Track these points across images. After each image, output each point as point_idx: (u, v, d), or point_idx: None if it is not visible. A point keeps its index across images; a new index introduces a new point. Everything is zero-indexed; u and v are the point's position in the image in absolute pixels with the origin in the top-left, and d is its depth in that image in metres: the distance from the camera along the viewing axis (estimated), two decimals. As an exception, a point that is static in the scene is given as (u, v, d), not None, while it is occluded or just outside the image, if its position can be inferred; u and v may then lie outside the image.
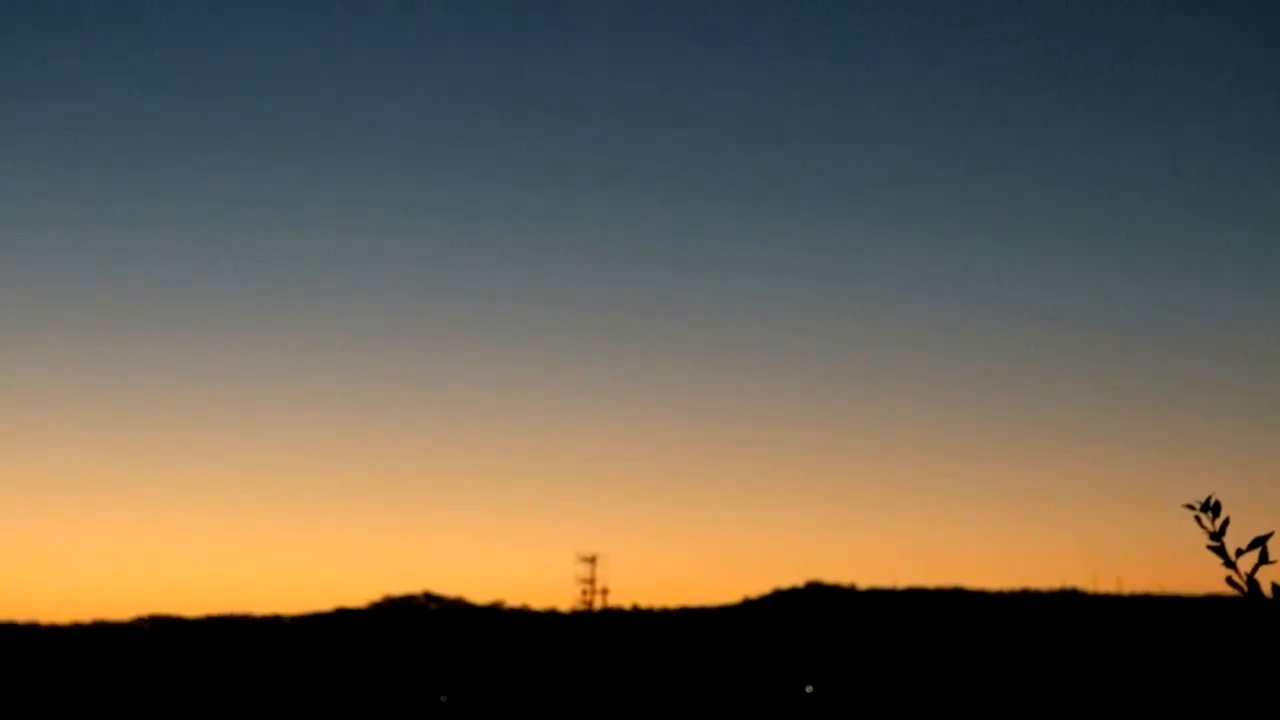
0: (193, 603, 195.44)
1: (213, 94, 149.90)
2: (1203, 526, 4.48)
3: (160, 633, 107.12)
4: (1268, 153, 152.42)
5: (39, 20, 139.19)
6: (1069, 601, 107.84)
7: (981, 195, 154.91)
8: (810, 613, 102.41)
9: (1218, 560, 4.49)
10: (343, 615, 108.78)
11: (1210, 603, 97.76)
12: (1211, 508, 4.48)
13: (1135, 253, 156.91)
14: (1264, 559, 4.45)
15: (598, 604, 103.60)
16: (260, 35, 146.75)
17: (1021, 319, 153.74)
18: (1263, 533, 4.50)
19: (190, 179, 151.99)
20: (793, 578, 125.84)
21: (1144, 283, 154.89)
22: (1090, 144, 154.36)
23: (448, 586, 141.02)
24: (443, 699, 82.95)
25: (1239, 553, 4.45)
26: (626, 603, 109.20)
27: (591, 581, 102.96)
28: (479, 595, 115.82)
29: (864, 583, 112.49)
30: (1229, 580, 4.47)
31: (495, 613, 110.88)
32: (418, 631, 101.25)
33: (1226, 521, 4.48)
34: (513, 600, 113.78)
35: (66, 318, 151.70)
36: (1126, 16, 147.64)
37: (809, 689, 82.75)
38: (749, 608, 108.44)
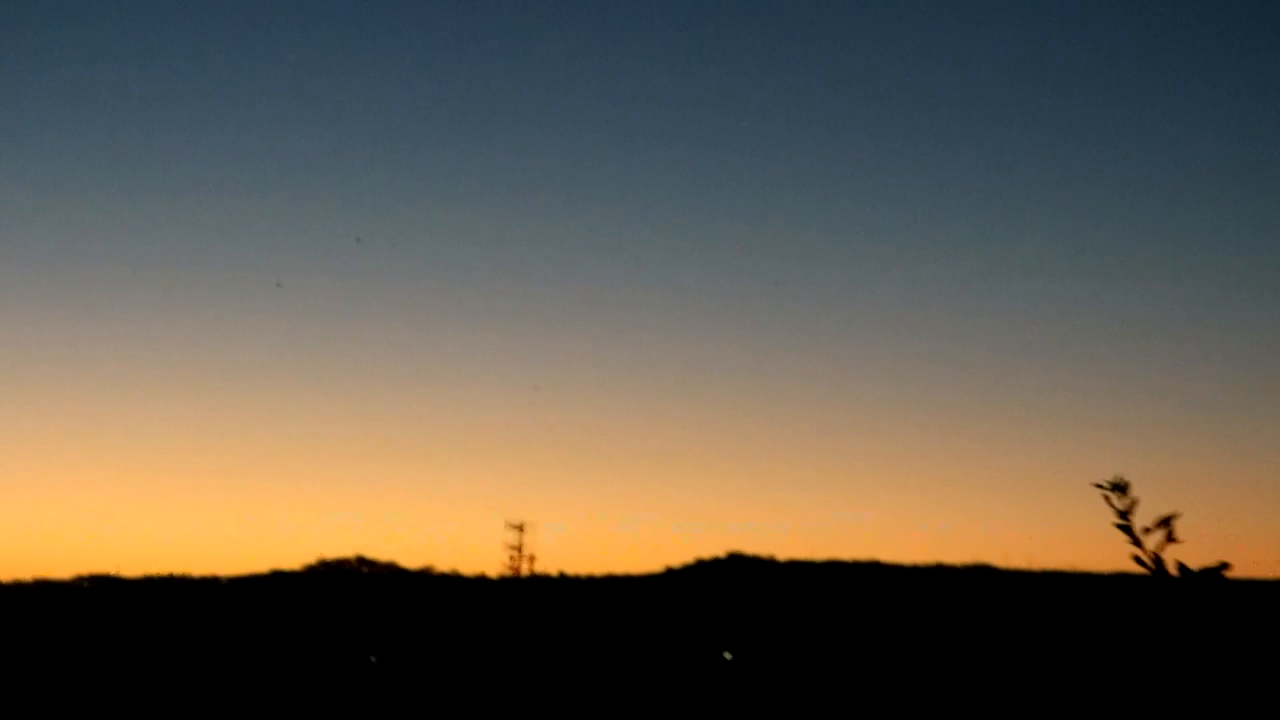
0: (132, 562, 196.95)
1: (212, 94, 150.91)
2: (1111, 505, 4.50)
3: (100, 591, 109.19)
4: (1247, 148, 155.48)
5: (38, 20, 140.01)
6: (981, 576, 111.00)
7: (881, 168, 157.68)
8: (731, 582, 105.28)
9: (1126, 538, 4.59)
10: (278, 577, 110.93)
11: (1118, 580, 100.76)
12: (1120, 487, 4.54)
13: (1048, 233, 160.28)
14: (1170, 538, 4.53)
15: (525, 570, 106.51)
16: (260, 35, 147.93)
17: (934, 295, 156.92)
18: (1171, 512, 4.58)
19: (188, 179, 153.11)
20: (714, 548, 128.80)
21: (1058, 261, 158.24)
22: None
23: (380, 551, 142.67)
24: (372, 659, 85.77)
25: (1145, 531, 4.53)
26: (553, 569, 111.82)
27: (519, 548, 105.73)
28: (411, 560, 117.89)
29: (784, 554, 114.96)
30: (1136, 558, 4.55)
31: (426, 577, 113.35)
32: (350, 594, 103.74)
33: (1135, 501, 4.53)
34: (443, 565, 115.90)
35: (11, 287, 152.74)
36: (1127, 16, 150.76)
37: (728, 655, 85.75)
38: (671, 576, 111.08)
